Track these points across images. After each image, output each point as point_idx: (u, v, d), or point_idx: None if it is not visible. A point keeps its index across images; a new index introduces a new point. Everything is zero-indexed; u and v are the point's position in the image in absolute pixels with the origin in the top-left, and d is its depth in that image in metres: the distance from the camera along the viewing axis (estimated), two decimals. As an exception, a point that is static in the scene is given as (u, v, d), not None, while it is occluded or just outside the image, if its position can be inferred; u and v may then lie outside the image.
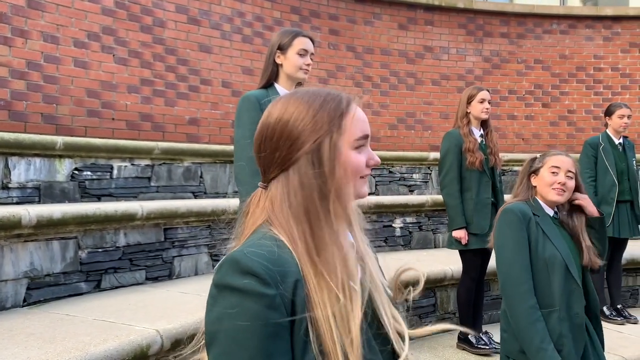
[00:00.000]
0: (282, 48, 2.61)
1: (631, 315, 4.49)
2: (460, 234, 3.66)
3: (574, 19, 7.11)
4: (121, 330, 2.39)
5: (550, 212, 2.37)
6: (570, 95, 7.06)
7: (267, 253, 0.95)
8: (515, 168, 6.62)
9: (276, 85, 2.63)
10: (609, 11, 7.11)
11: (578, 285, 2.27)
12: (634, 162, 4.54)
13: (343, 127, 1.02)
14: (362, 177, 1.05)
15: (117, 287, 3.35)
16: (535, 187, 2.39)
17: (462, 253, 3.81)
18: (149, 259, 3.56)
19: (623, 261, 4.69)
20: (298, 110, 1.04)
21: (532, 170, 2.40)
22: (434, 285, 4.19)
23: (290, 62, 2.58)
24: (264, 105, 2.25)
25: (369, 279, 1.07)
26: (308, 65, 2.60)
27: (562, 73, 7.06)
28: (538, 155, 2.46)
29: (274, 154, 1.04)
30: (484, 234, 3.65)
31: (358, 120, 1.03)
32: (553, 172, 2.33)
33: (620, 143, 4.50)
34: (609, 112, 4.51)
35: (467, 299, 3.77)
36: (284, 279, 0.93)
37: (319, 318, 0.93)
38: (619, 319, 4.40)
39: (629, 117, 4.44)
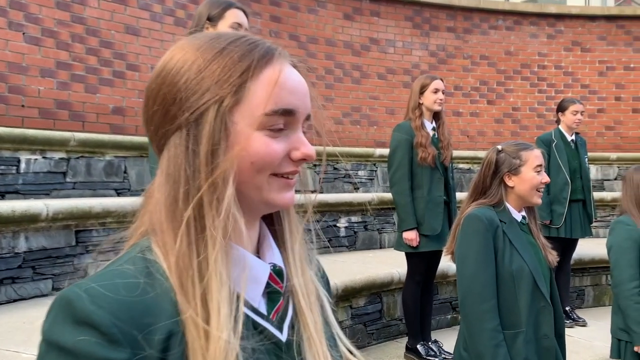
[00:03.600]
0: (212, 20, 2.23)
1: (580, 318, 4.37)
2: (411, 236, 3.37)
3: (519, 16, 7.05)
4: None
5: (518, 217, 2.10)
6: (515, 92, 6.99)
7: (124, 288, 0.60)
8: (461, 165, 6.48)
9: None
10: (552, 9, 7.09)
11: (547, 303, 2.01)
12: (587, 159, 4.42)
13: (245, 92, 0.66)
14: (279, 176, 0.69)
15: (15, 300, 2.85)
16: (512, 188, 2.09)
17: (409, 255, 3.52)
18: (57, 266, 3.07)
19: (570, 261, 4.57)
20: (184, 58, 0.67)
21: (511, 169, 2.09)
22: (380, 289, 3.89)
23: None
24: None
25: (302, 327, 0.72)
26: None
27: (507, 70, 6.98)
28: (499, 147, 2.16)
29: (151, 122, 0.69)
30: (435, 236, 3.39)
31: (276, 85, 0.67)
32: (538, 172, 2.06)
33: (572, 140, 4.36)
34: (562, 108, 4.36)
35: (413, 305, 3.49)
36: (148, 332, 0.59)
37: None
38: (567, 321, 4.26)
39: (582, 113, 4.31)
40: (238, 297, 0.67)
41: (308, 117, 0.72)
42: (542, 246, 2.13)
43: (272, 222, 0.77)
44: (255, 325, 0.68)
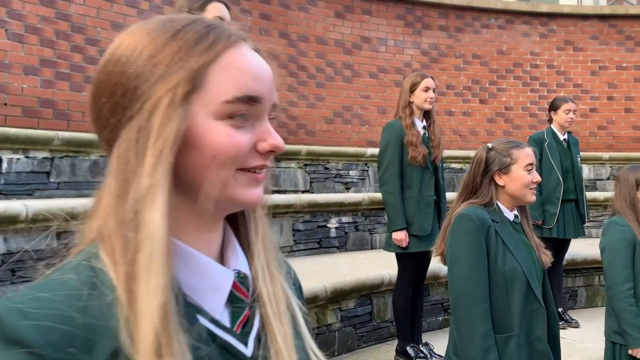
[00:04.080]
0: (193, 13, 2.16)
1: (572, 319, 4.33)
2: (401, 236, 3.31)
3: (511, 14, 7.01)
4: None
5: (511, 216, 2.03)
6: (508, 91, 6.95)
7: (63, 301, 0.54)
8: (453, 165, 6.44)
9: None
10: (544, 8, 7.05)
11: (540, 305, 1.96)
12: (579, 159, 4.37)
13: (202, 78, 0.59)
14: (245, 171, 0.62)
15: (-6, 304, 2.76)
16: (502, 187, 2.03)
17: (399, 256, 3.46)
18: (38, 269, 2.98)
19: (563, 262, 4.52)
20: (134, 44, 0.61)
21: (501, 167, 2.03)
22: (370, 291, 3.83)
23: None
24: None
25: (269, 340, 0.65)
26: None
27: (500, 69, 6.94)
28: (489, 145, 2.09)
29: (99, 118, 0.62)
30: (425, 236, 3.33)
31: (238, 70, 0.61)
32: (529, 170, 1.99)
33: (565, 139, 4.31)
34: (554, 107, 4.31)
35: (403, 308, 3.42)
36: (88, 352, 0.52)
37: None
38: (560, 323, 4.20)
39: (574, 112, 4.26)
40: (197, 309, 0.60)
41: (275, 107, 0.65)
42: (535, 246, 2.08)
43: (237, 223, 0.70)
44: (216, 339, 0.61)
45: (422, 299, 3.61)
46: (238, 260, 0.67)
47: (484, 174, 2.02)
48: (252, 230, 0.69)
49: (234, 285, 0.64)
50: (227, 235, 0.68)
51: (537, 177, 2.01)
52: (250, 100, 0.61)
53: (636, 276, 2.51)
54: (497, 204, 2.01)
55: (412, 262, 3.42)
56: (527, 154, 2.02)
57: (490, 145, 2.06)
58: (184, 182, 0.61)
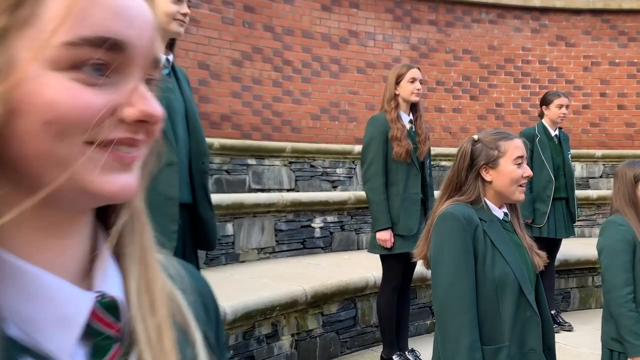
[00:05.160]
0: None
1: (565, 322, 4.17)
2: (385, 236, 3.12)
3: (503, 9, 6.85)
4: None
5: (500, 214, 1.85)
6: (499, 87, 6.79)
7: None
8: (443, 163, 6.28)
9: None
10: (536, 2, 6.90)
11: (534, 313, 1.77)
12: (570, 155, 4.20)
13: (33, 7, 0.40)
14: (102, 146, 0.42)
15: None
16: (489, 182, 1.84)
17: (383, 258, 3.27)
18: None
19: (555, 262, 4.36)
20: None
21: (488, 161, 1.83)
22: (354, 295, 3.64)
23: (160, 9, 1.94)
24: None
25: None
26: (185, 14, 1.99)
27: (491, 64, 6.77)
28: (475, 136, 1.90)
29: None
30: (411, 236, 3.14)
31: (90, 1, 0.41)
32: (518, 164, 1.81)
33: (556, 135, 4.15)
34: (545, 101, 4.14)
35: (388, 313, 3.23)
36: None
37: None
38: (553, 326, 4.05)
39: (567, 107, 4.09)
40: (25, 350, 0.41)
41: (156, 64, 0.46)
42: (528, 247, 1.90)
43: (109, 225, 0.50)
44: None
45: (407, 304, 3.42)
46: (107, 278, 0.47)
47: (470, 169, 1.82)
48: (127, 235, 0.49)
49: (94, 314, 0.45)
50: (98, 242, 0.49)
51: (528, 171, 1.82)
52: (110, 45, 0.41)
53: (636, 279, 2.34)
54: (484, 201, 1.82)
55: (398, 264, 3.23)
56: (516, 146, 1.82)
57: (476, 137, 1.86)
58: (10, 164, 0.41)
